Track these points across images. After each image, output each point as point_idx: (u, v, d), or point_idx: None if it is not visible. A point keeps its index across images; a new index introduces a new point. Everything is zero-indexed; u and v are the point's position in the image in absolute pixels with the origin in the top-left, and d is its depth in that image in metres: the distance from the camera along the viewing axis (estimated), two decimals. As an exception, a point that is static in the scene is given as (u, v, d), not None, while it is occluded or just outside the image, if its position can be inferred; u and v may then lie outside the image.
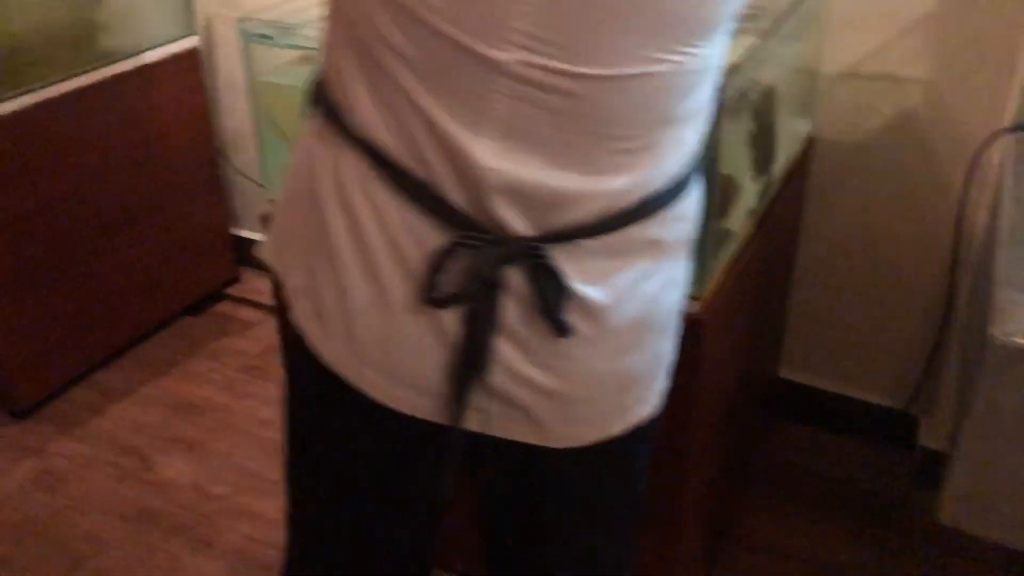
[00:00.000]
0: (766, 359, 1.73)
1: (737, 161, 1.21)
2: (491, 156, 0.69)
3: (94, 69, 1.93)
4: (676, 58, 0.67)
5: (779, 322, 1.77)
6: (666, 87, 0.69)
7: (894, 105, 1.58)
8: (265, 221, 0.91)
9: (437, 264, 0.72)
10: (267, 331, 2.29)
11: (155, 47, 2.06)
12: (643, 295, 0.78)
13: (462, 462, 0.85)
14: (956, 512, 0.95)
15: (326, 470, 0.90)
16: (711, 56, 0.71)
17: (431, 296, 0.73)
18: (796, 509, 1.72)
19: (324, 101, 0.76)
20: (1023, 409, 0.86)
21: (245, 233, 2.46)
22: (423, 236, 0.72)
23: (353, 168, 0.74)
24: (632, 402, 0.83)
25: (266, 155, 1.37)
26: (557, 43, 0.65)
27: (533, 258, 0.72)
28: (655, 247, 0.77)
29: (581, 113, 0.67)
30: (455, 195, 0.71)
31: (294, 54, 1.36)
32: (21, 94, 1.79)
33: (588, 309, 0.75)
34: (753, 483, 1.78)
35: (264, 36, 1.28)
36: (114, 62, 1.97)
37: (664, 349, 0.85)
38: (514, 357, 0.76)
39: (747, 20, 1.14)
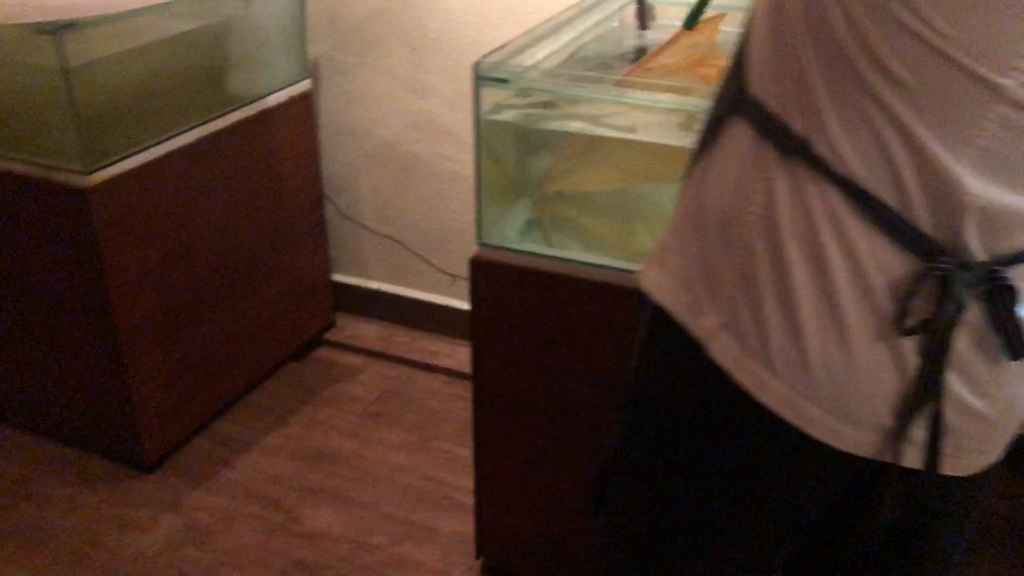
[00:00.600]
0: None
1: None
2: (971, 180, 0.69)
3: (220, 116, 1.90)
4: None
5: None
6: None
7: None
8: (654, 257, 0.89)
9: (909, 292, 0.72)
10: (376, 376, 2.26)
11: (275, 91, 2.04)
12: None
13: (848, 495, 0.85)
14: None
15: (720, 498, 0.87)
16: None
17: (903, 326, 0.73)
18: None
19: (773, 133, 0.75)
20: None
21: (340, 278, 2.43)
22: (890, 265, 0.72)
23: (819, 201, 0.72)
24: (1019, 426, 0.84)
25: (484, 199, 1.36)
26: None
27: (990, 282, 0.72)
28: None
29: None
30: (924, 221, 0.71)
31: (500, 95, 1.36)
32: (155, 144, 1.76)
33: None
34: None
35: (500, 79, 1.27)
36: (239, 107, 1.95)
37: None
38: (959, 386, 0.76)
39: None
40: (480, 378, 1.49)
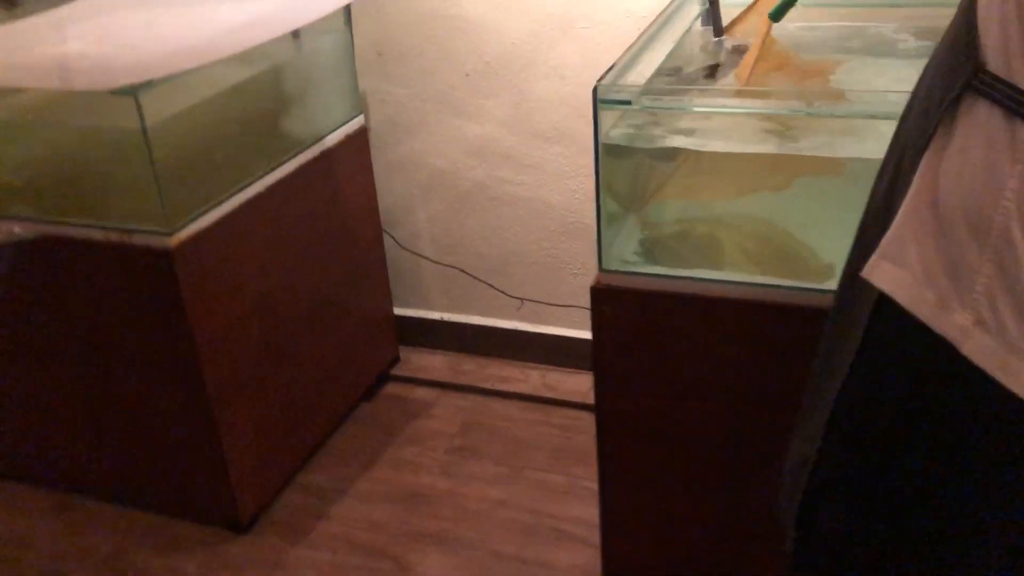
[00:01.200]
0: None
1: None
2: None
3: (286, 161, 1.86)
4: None
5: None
6: None
7: None
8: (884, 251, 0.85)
9: None
10: (451, 408, 2.22)
11: (333, 130, 1.99)
12: None
13: None
14: None
15: (971, 500, 0.84)
16: None
17: None
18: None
19: None
20: None
21: (400, 311, 2.38)
22: None
23: None
24: None
25: (605, 224, 1.33)
26: None
27: None
28: None
29: None
30: None
31: (614, 116, 1.33)
32: (228, 197, 1.71)
33: None
34: None
35: (622, 102, 1.24)
36: (302, 150, 1.90)
37: None
38: None
39: None
40: (603, 405, 1.45)
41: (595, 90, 1.24)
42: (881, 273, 0.84)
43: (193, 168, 1.67)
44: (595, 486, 1.89)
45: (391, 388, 2.31)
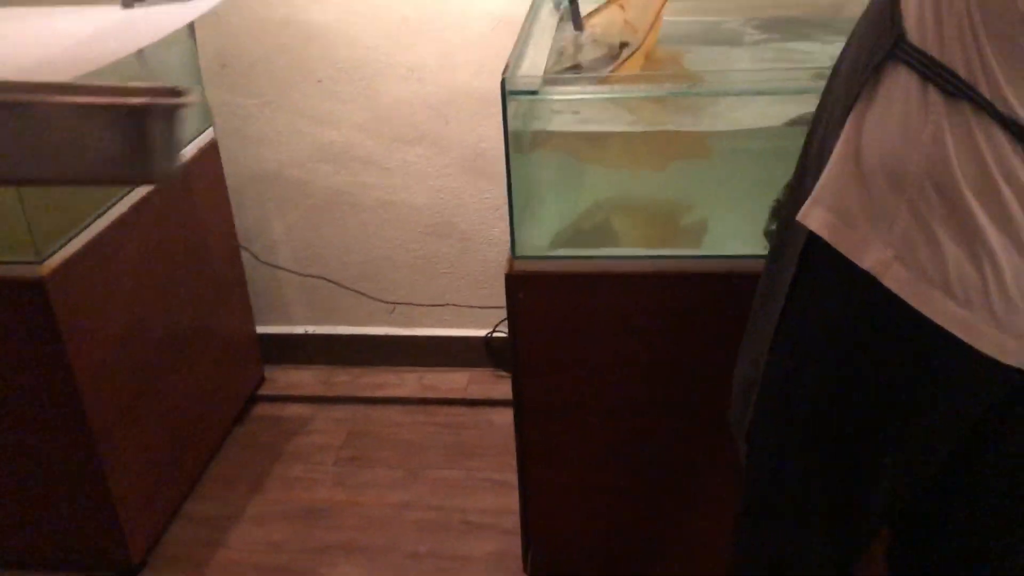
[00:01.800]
0: None
1: None
2: None
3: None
4: None
5: None
6: None
7: None
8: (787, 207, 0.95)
9: None
10: (330, 421, 2.19)
11: (185, 145, 1.92)
12: None
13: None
14: None
15: (890, 408, 0.96)
16: None
17: None
18: None
19: (939, 78, 0.82)
20: None
21: (263, 328, 2.31)
22: None
23: (985, 139, 0.81)
24: None
25: (519, 218, 1.37)
26: None
27: None
28: None
29: None
30: None
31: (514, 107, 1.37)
32: (94, 219, 1.61)
33: None
34: None
35: (529, 92, 1.29)
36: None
37: None
38: None
39: None
40: (522, 391, 1.49)
41: (503, 82, 1.28)
42: (814, 217, 0.95)
43: (57, 191, 1.56)
44: (495, 476, 1.94)
45: (261, 409, 2.24)
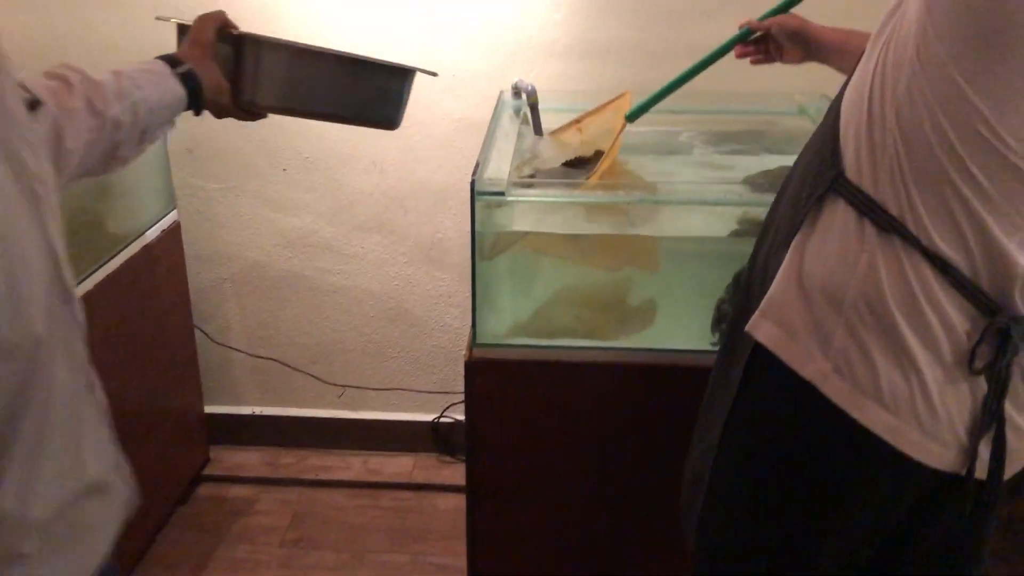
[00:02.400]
0: None
1: None
2: (1020, 257, 0.91)
3: (110, 258, 1.81)
4: None
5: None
6: None
7: None
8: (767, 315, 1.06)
9: (978, 341, 0.93)
10: (275, 503, 2.19)
11: (151, 226, 1.97)
12: None
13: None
14: None
15: (826, 508, 1.04)
16: None
17: (974, 368, 0.94)
18: None
19: (872, 212, 0.93)
20: None
21: (211, 408, 2.32)
22: (966, 320, 0.93)
23: (912, 269, 0.93)
24: None
25: (481, 307, 1.45)
26: None
27: None
28: None
29: None
30: (988, 286, 0.93)
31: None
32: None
33: None
34: None
35: (496, 193, 1.38)
36: (124, 247, 1.86)
37: None
38: (1013, 411, 0.98)
39: None
40: (475, 475, 1.54)
41: (472, 183, 1.38)
42: (762, 330, 1.05)
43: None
44: (441, 560, 1.97)
45: (205, 489, 2.24)
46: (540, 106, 1.76)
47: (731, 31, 1.45)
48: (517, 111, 1.85)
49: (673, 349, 1.47)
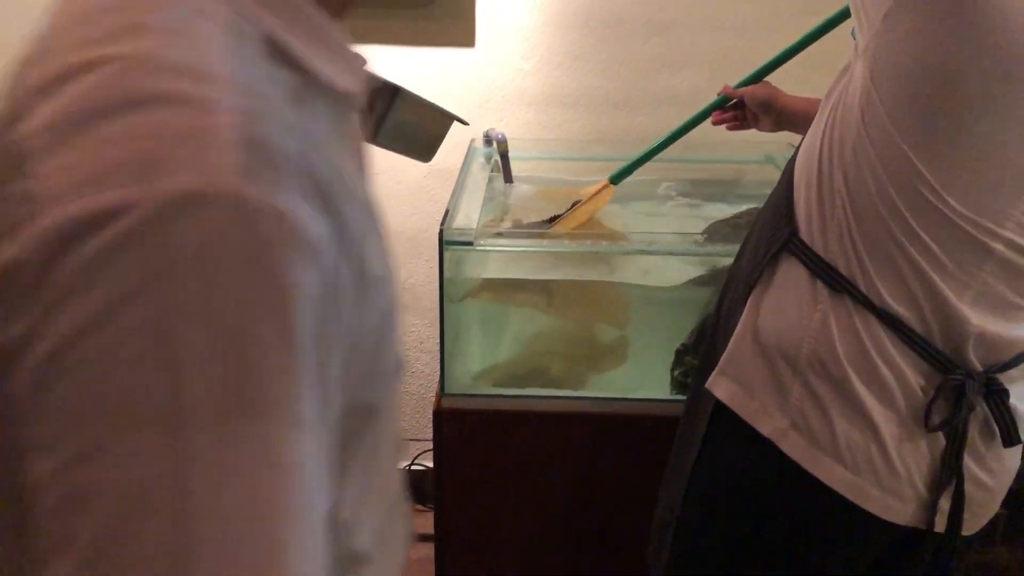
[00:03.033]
0: None
1: None
2: (971, 314, 0.92)
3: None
4: None
5: None
6: None
7: None
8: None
9: (933, 397, 0.94)
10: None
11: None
12: None
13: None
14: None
15: (787, 564, 1.04)
16: None
17: (931, 424, 0.95)
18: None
19: (824, 272, 0.95)
20: None
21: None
22: (920, 377, 0.94)
23: (865, 327, 0.94)
24: None
25: (450, 356, 1.45)
26: None
27: (987, 386, 0.95)
28: None
29: None
30: (941, 343, 0.94)
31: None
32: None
33: (1020, 418, 0.99)
34: None
35: (464, 243, 1.39)
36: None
37: None
38: (973, 465, 0.98)
39: None
40: (443, 524, 1.53)
41: (440, 233, 1.38)
42: (720, 387, 1.06)
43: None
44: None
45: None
46: (511, 154, 1.77)
47: (696, 83, 1.48)
48: (488, 158, 1.86)
49: (642, 399, 1.48)
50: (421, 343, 2.21)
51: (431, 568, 1.57)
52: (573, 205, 1.57)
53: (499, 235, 1.46)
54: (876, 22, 0.88)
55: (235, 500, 0.37)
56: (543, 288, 1.57)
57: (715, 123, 1.47)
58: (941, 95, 0.86)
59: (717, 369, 1.05)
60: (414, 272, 2.15)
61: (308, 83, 0.45)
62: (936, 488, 0.97)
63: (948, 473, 0.97)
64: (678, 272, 1.55)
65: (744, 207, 1.61)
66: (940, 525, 0.99)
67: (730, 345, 1.05)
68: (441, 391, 1.47)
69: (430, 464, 2.17)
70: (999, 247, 0.90)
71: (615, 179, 1.51)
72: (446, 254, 1.39)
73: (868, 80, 0.89)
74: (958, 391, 0.94)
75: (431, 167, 2.04)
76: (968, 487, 0.98)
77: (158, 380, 0.36)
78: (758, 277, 1.02)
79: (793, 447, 0.98)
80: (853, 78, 0.93)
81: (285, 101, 0.42)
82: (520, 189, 1.80)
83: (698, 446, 1.10)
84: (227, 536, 0.36)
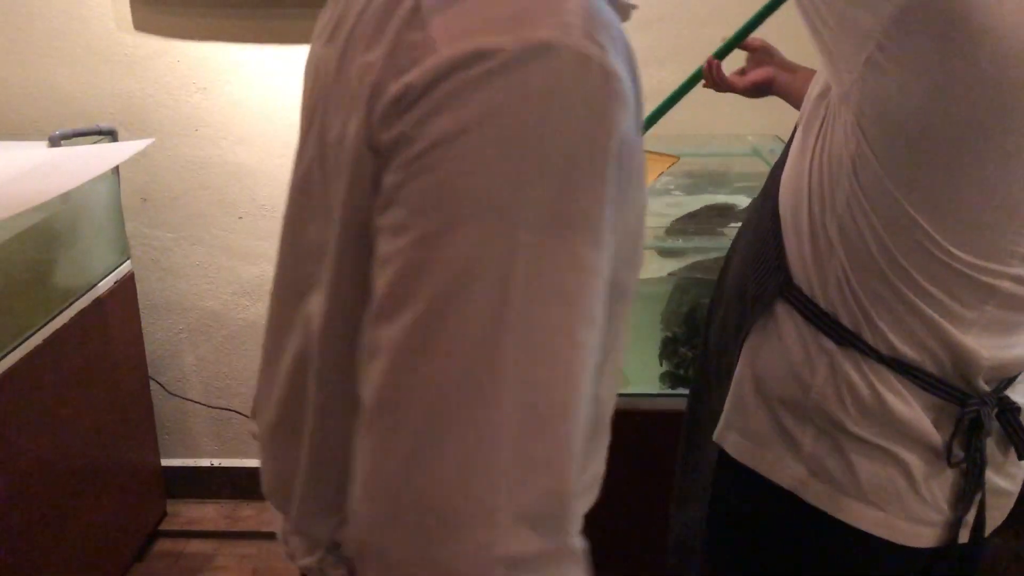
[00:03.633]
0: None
1: None
2: (980, 347, 0.90)
3: (61, 311, 1.77)
4: None
5: None
6: None
7: None
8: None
9: (953, 432, 0.92)
10: (235, 558, 2.14)
11: (103, 277, 1.93)
12: None
13: None
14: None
15: None
16: None
17: (951, 459, 0.93)
18: None
19: (826, 325, 0.92)
20: None
21: (167, 461, 2.27)
22: (940, 412, 0.93)
23: (875, 375, 0.92)
24: None
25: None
26: None
27: (999, 403, 0.94)
28: None
29: None
30: (955, 380, 0.92)
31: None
32: (7, 353, 1.60)
33: None
34: None
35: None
36: (75, 300, 1.82)
37: None
38: (993, 476, 0.97)
39: None
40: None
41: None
42: (729, 443, 1.03)
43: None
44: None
45: (162, 545, 2.18)
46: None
47: (681, 76, 1.46)
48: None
49: (631, 394, 1.47)
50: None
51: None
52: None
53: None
54: (857, 66, 0.84)
55: (546, 285, 0.47)
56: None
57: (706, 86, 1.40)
58: (935, 141, 0.82)
59: (723, 422, 1.04)
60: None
61: None
62: (962, 507, 0.95)
63: (971, 489, 0.95)
64: (658, 264, 1.54)
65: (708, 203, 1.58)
66: (964, 536, 0.98)
67: (730, 398, 1.03)
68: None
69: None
70: (1005, 284, 0.88)
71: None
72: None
73: (857, 130, 0.87)
74: (973, 423, 0.92)
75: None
76: (989, 497, 0.97)
77: (502, 183, 0.46)
78: (752, 323, 1.00)
79: (816, 496, 0.96)
80: (836, 125, 0.90)
81: None
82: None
83: (710, 491, 1.08)
84: (535, 315, 0.46)
